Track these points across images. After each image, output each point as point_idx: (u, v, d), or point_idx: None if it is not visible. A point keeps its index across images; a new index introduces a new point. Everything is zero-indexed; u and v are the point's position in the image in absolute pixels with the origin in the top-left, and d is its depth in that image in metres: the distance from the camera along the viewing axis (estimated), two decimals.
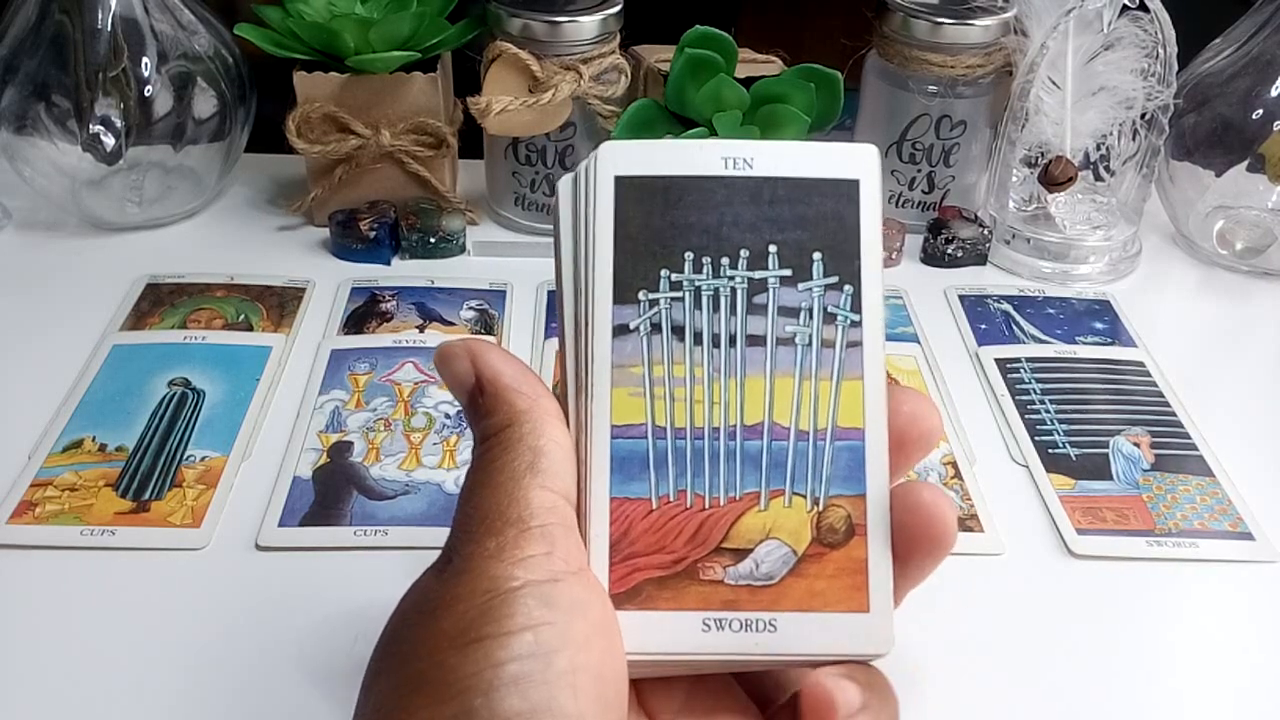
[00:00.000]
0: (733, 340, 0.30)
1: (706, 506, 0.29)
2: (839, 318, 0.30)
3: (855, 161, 0.31)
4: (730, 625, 0.29)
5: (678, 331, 0.30)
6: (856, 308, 0.30)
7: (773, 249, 0.30)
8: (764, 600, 0.29)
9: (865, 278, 0.30)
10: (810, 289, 0.30)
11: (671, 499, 0.29)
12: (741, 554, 0.29)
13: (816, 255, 0.30)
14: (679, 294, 0.30)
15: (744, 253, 0.30)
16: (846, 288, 0.30)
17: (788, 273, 0.30)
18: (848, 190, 0.30)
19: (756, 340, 0.30)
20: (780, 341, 0.30)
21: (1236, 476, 0.52)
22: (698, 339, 0.30)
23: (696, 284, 0.30)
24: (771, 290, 0.30)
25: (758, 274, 0.30)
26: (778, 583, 0.29)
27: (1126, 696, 0.41)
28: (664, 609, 0.28)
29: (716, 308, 0.30)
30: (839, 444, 0.30)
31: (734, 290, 0.30)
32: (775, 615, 0.29)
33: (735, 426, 0.30)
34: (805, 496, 0.29)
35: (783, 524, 0.29)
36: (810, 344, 0.30)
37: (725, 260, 0.30)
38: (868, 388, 0.30)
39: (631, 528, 0.29)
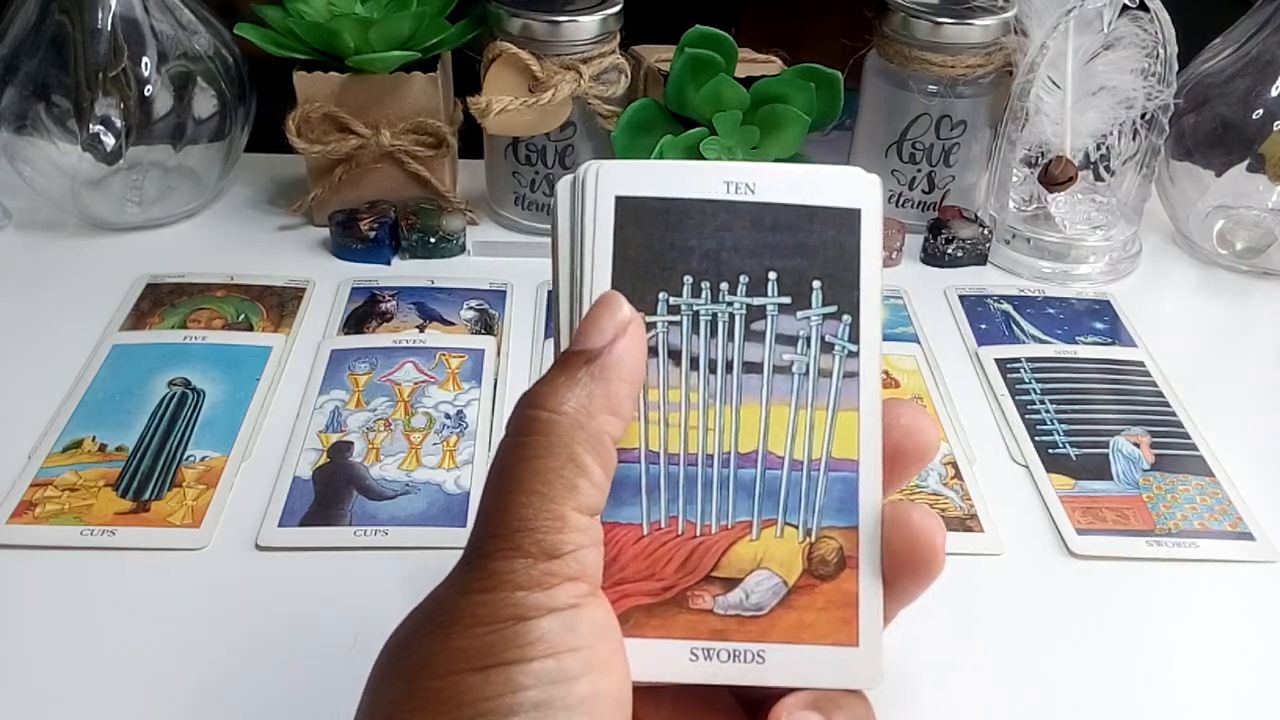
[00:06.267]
0: (729, 367, 0.30)
1: (698, 534, 0.29)
2: (836, 347, 0.30)
3: (857, 190, 0.30)
4: (718, 655, 0.28)
5: (674, 356, 0.30)
6: (854, 338, 0.30)
7: (772, 276, 0.30)
8: (753, 631, 0.29)
9: (864, 308, 0.30)
10: (809, 318, 0.30)
11: (663, 525, 0.29)
12: (732, 583, 0.29)
13: (816, 284, 0.30)
14: (677, 318, 0.30)
15: (743, 278, 0.30)
16: (845, 317, 0.30)
17: (787, 300, 0.30)
18: (849, 219, 0.30)
19: (753, 367, 0.30)
20: (777, 369, 0.30)
21: (1236, 476, 0.52)
22: (694, 364, 0.30)
23: (695, 308, 0.30)
24: (770, 317, 0.30)
25: (756, 300, 0.30)
26: (767, 614, 0.29)
27: (1126, 696, 0.41)
28: (652, 637, 0.28)
29: (714, 333, 0.30)
30: (833, 475, 0.29)
31: (732, 316, 0.30)
32: (764, 646, 0.28)
33: (729, 454, 0.30)
34: (797, 527, 0.29)
35: (774, 554, 0.29)
36: (807, 373, 0.30)
37: (724, 285, 0.30)
38: (863, 419, 0.30)
39: (622, 553, 0.29)
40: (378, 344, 0.58)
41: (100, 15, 0.62)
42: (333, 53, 0.63)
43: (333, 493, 0.49)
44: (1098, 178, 0.69)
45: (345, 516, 0.47)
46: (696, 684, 0.29)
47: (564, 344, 0.29)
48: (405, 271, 0.66)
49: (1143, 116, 0.65)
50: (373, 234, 0.65)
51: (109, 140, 0.64)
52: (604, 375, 0.28)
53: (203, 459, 0.50)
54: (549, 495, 0.26)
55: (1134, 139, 0.66)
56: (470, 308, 0.62)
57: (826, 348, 0.30)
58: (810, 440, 0.30)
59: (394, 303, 0.62)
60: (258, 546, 0.46)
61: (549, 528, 0.26)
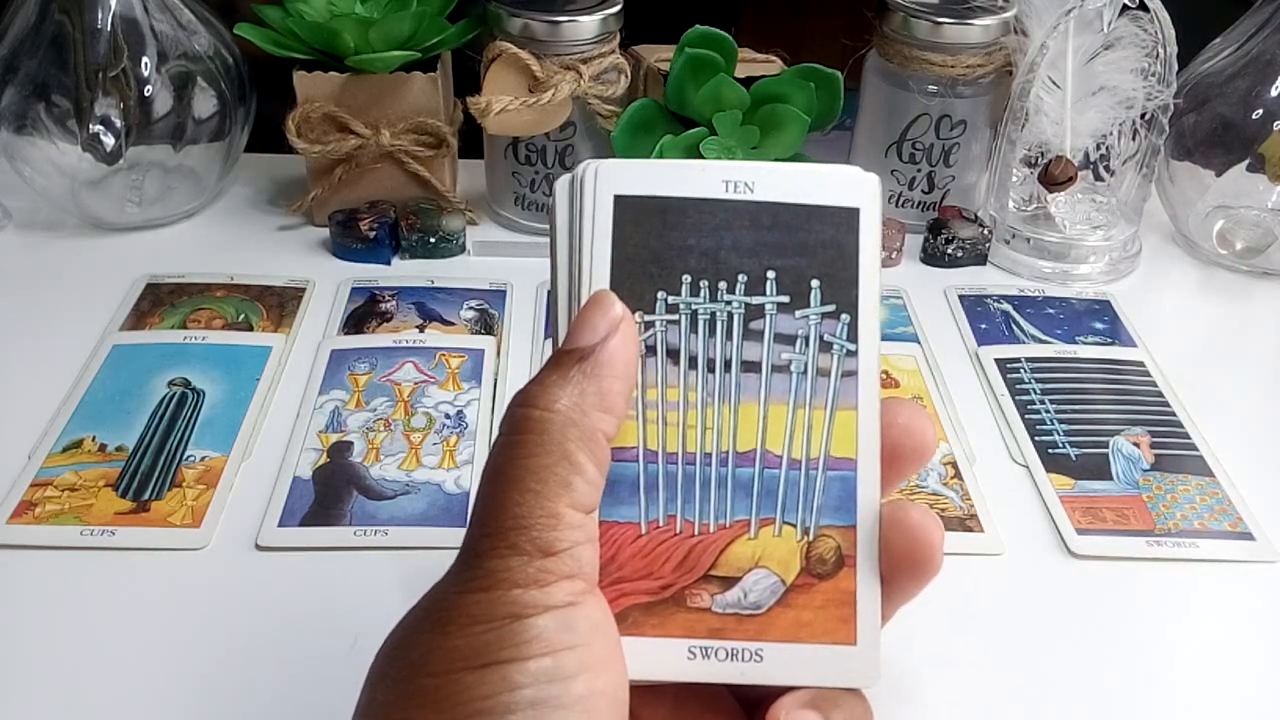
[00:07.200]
0: (728, 366, 0.30)
1: (696, 533, 0.29)
2: (835, 346, 0.30)
3: (856, 189, 0.30)
4: (716, 654, 0.28)
5: (673, 355, 0.30)
6: (853, 337, 0.30)
7: (771, 275, 0.30)
8: (751, 630, 0.29)
9: (862, 307, 0.30)
10: (807, 316, 0.30)
11: (661, 524, 0.29)
12: (730, 582, 0.29)
13: (815, 282, 0.30)
14: (675, 317, 0.30)
15: (742, 277, 0.30)
16: (843, 316, 0.30)
17: (785, 299, 0.30)
18: (847, 218, 0.30)
19: (752, 366, 0.30)
20: (775, 369, 0.30)
21: (1236, 476, 0.52)
22: (693, 363, 0.30)
23: (693, 307, 0.30)
24: (768, 316, 0.30)
25: (755, 299, 0.30)
26: (765, 612, 0.29)
27: (1126, 696, 0.41)
28: (650, 635, 0.28)
29: (713, 332, 0.30)
30: (831, 474, 0.30)
31: (731, 315, 0.30)
32: (761, 645, 0.29)
33: (728, 453, 0.30)
34: (795, 526, 0.29)
35: (772, 553, 0.29)
36: (805, 372, 0.30)
37: (723, 284, 0.30)
38: (861, 418, 0.30)
39: (620, 552, 0.29)
40: (378, 344, 0.58)
41: (100, 15, 0.62)
42: (333, 53, 0.63)
43: (333, 493, 0.49)
44: (1098, 178, 0.69)
45: (345, 516, 0.47)
46: (695, 683, 0.29)
47: None
48: (405, 271, 0.66)
49: (1143, 116, 0.65)
50: (373, 234, 0.65)
51: (109, 140, 0.64)
52: (596, 373, 0.28)
53: (203, 459, 0.50)
54: (543, 493, 0.26)
55: (1134, 139, 0.66)
56: (470, 308, 0.62)
57: (825, 347, 0.30)
58: (808, 439, 0.30)
59: (394, 303, 0.62)
60: (258, 546, 0.46)
61: (544, 525, 0.26)
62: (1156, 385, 0.58)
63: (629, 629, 0.28)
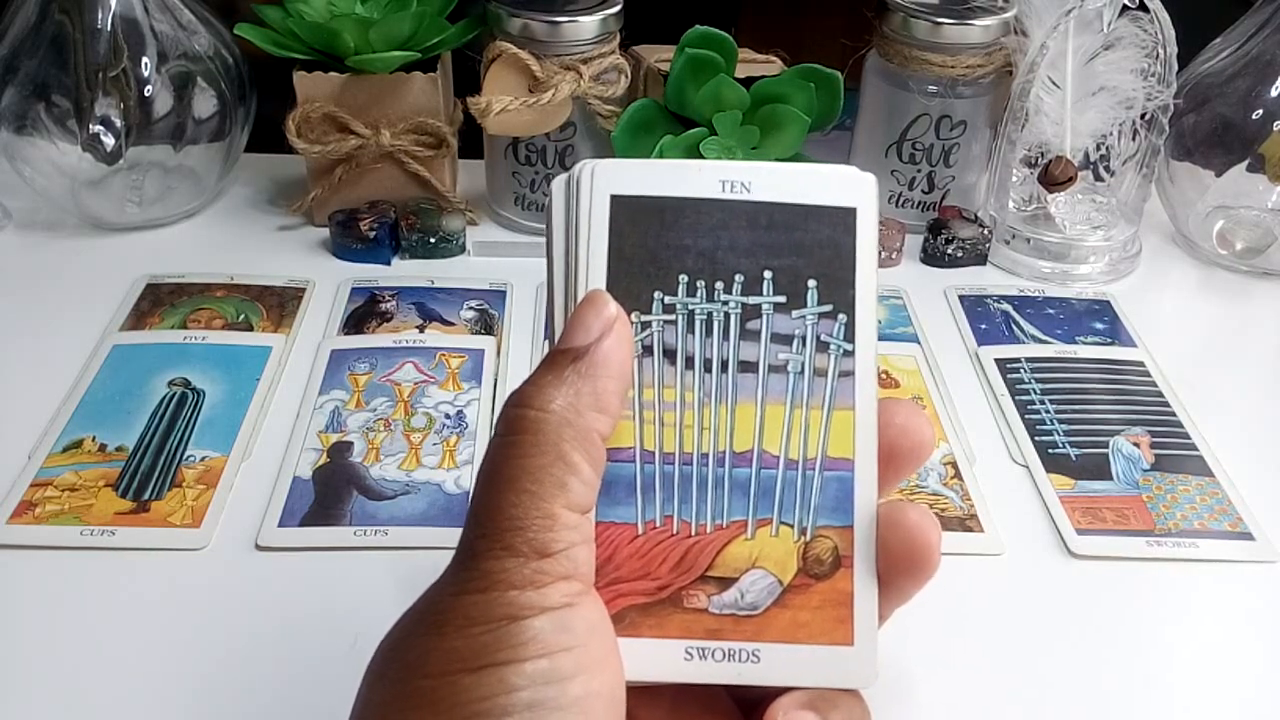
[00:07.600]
0: (724, 366, 0.30)
1: (693, 533, 0.29)
2: (832, 347, 0.30)
3: (853, 189, 0.30)
4: (713, 655, 0.28)
5: (669, 355, 0.30)
6: (850, 337, 0.30)
7: (767, 275, 0.30)
8: (748, 630, 0.29)
9: (859, 307, 0.30)
10: (804, 317, 0.30)
11: (658, 525, 0.29)
12: (727, 583, 0.29)
13: (811, 283, 0.30)
14: (672, 317, 0.30)
15: (739, 277, 0.30)
16: (840, 316, 0.30)
17: (782, 299, 0.30)
18: (844, 219, 0.30)
19: (748, 367, 0.30)
20: (772, 369, 0.30)
21: (1236, 476, 0.52)
22: (689, 363, 0.30)
23: (690, 307, 0.30)
24: (765, 316, 0.30)
25: (752, 300, 0.30)
26: (762, 613, 0.29)
27: (1126, 697, 0.41)
28: (647, 636, 0.28)
29: (709, 332, 0.30)
30: (828, 474, 0.29)
31: (727, 315, 0.30)
32: (759, 646, 0.29)
33: (724, 453, 0.30)
34: (793, 526, 0.29)
35: (769, 553, 0.29)
36: (802, 372, 0.30)
37: (720, 284, 0.30)
38: (858, 418, 0.30)
39: (616, 553, 0.29)
40: (378, 344, 0.58)
41: (100, 15, 0.62)
42: (333, 53, 0.63)
43: (333, 493, 0.49)
44: (1098, 178, 0.69)
45: (345, 516, 0.47)
46: (692, 684, 0.29)
47: None
48: (405, 271, 0.66)
49: (1143, 116, 0.65)
50: (373, 234, 0.65)
51: (109, 140, 0.64)
52: (591, 373, 0.28)
53: (203, 459, 0.50)
54: (539, 494, 0.26)
55: (1134, 139, 0.66)
56: (470, 308, 0.62)
57: (822, 347, 0.30)
58: (805, 439, 0.30)
59: (394, 303, 0.62)
60: (258, 546, 0.46)
61: (540, 526, 0.26)
62: (1156, 385, 0.58)
63: (626, 630, 0.28)
